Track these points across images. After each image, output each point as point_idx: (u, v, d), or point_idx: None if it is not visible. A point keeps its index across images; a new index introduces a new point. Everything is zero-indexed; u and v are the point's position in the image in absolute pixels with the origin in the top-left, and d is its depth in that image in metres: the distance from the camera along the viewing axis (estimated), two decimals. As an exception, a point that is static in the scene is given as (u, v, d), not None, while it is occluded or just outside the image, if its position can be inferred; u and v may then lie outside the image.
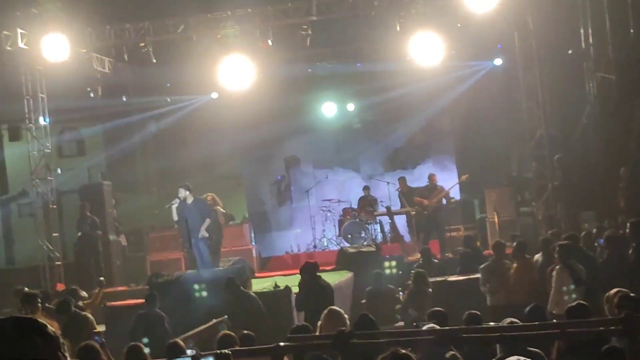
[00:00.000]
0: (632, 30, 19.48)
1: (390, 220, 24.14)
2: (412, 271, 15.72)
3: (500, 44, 23.20)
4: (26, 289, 16.08)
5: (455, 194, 23.36)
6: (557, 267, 13.22)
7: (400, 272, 18.03)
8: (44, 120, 21.70)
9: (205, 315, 13.62)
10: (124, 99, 25.07)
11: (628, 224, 14.65)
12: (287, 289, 15.63)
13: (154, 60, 21.04)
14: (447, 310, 9.72)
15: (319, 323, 8.47)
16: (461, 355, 7.62)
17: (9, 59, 20.76)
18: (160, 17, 20.85)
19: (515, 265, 14.56)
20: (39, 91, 21.43)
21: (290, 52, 22.48)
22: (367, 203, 24.04)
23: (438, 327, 7.83)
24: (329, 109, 26.94)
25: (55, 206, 21.79)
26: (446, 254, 20.51)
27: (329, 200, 25.24)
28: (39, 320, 2.66)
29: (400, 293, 15.94)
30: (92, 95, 23.20)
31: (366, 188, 24.67)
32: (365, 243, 22.17)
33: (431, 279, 15.64)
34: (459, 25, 20.84)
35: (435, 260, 18.27)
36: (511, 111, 23.80)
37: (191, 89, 23.96)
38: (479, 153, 24.89)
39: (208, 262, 18.87)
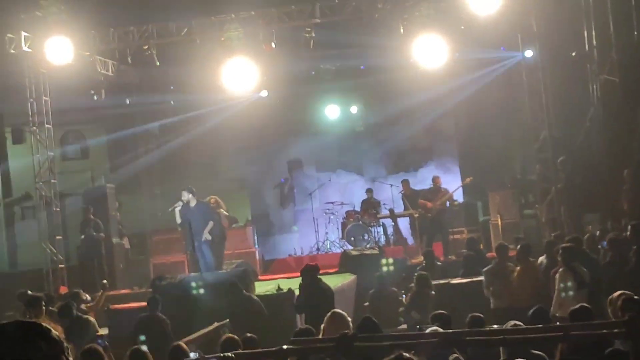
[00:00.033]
0: (635, 33, 19.48)
1: (393, 223, 24.15)
2: (415, 274, 15.71)
3: (504, 46, 23.17)
4: (29, 292, 16.12)
5: (459, 196, 23.36)
6: (560, 269, 13.20)
7: (403, 274, 18.00)
8: (48, 123, 21.70)
9: (208, 318, 13.63)
10: (128, 101, 25.08)
11: (629, 227, 14.66)
12: (290, 291, 15.63)
13: (158, 63, 21.07)
14: (450, 313, 9.71)
15: (322, 326, 8.46)
16: (464, 358, 7.61)
17: (13, 62, 20.77)
18: (163, 20, 20.87)
19: (518, 268, 14.54)
20: (42, 94, 21.44)
21: (294, 54, 22.47)
22: (370, 206, 24.04)
23: (441, 329, 7.82)
24: (332, 112, 26.95)
25: (58, 209, 21.79)
26: (449, 257, 20.50)
27: (332, 202, 25.24)
28: (43, 324, 2.66)
29: (404, 296, 15.93)
30: (95, 98, 23.23)
31: (369, 191, 24.67)
32: (368, 246, 22.16)
33: (434, 282, 15.62)
34: (462, 27, 20.83)
35: (439, 263, 18.27)
36: (514, 113, 23.78)
37: (195, 91, 23.96)
38: (482, 155, 24.89)
39: (211, 265, 18.87)
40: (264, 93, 24.84)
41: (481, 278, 15.00)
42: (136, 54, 21.26)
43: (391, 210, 24.08)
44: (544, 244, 16.06)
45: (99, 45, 21.25)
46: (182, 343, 9.82)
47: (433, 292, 15.02)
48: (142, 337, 13.79)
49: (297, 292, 14.89)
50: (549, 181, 20.29)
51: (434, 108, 25.43)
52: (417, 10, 19.82)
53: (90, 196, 22.85)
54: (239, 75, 20.59)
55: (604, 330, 6.22)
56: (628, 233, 14.55)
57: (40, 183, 21.54)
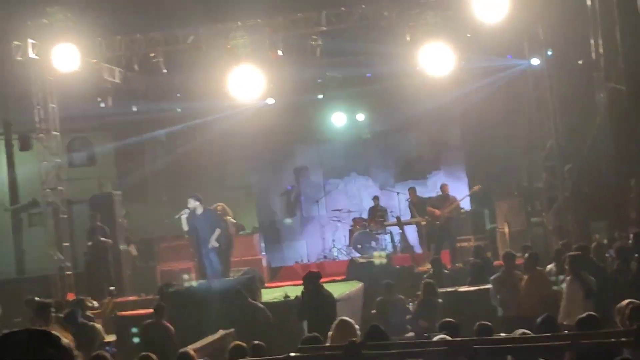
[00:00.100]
0: (642, 41, 19.49)
1: (400, 231, 24.13)
2: (422, 281, 15.70)
3: (510, 54, 23.17)
4: (37, 298, 16.13)
5: (466, 204, 23.33)
6: (568, 278, 13.18)
7: (410, 282, 18.00)
8: (55, 130, 21.74)
9: (213, 325, 13.64)
10: (134, 108, 25.12)
11: (632, 235, 14.66)
12: (298, 299, 15.62)
13: (164, 70, 21.12)
14: (458, 321, 9.69)
15: (330, 334, 8.46)
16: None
17: (19, 69, 20.83)
18: (170, 28, 20.92)
19: (526, 276, 14.51)
20: (49, 101, 21.48)
21: (300, 62, 22.49)
22: (377, 213, 24.02)
23: (449, 337, 7.80)
24: (338, 119, 26.94)
25: (65, 216, 21.81)
26: (457, 265, 20.48)
27: (339, 210, 25.23)
28: (53, 332, 2.66)
29: (410, 304, 15.92)
30: (102, 105, 23.28)
31: (376, 198, 24.66)
32: (375, 253, 22.13)
33: (442, 290, 15.61)
34: (468, 35, 20.84)
35: (446, 271, 18.26)
36: (521, 121, 23.76)
37: (201, 98, 23.99)
38: (489, 163, 24.86)
39: (218, 272, 18.88)
40: (270, 100, 24.86)
41: (489, 286, 14.97)
42: (143, 61, 21.32)
43: (398, 218, 24.08)
44: (552, 252, 16.04)
45: (105, 53, 21.30)
46: (190, 350, 9.81)
47: (440, 300, 15.01)
48: (136, 339, 13.86)
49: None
50: (556, 189, 20.27)
51: (441, 116, 25.41)
52: (423, 18, 19.84)
53: (97, 203, 22.87)
54: (245, 83, 20.61)
55: (613, 339, 6.20)
56: (630, 241, 14.57)
57: (48, 190, 21.56)
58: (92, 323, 13.86)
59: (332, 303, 14.04)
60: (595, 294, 12.84)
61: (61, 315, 14.00)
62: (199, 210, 18.96)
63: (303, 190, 27.66)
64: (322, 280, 18.68)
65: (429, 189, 25.02)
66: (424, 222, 22.13)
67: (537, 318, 9.47)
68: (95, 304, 17.88)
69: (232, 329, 12.89)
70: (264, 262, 23.34)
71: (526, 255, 15.00)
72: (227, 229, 19.99)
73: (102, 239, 21.23)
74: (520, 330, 7.76)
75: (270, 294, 17.61)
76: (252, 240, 23.74)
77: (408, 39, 20.15)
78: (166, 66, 21.02)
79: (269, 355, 7.93)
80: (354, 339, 6.61)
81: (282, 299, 16.44)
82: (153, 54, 20.93)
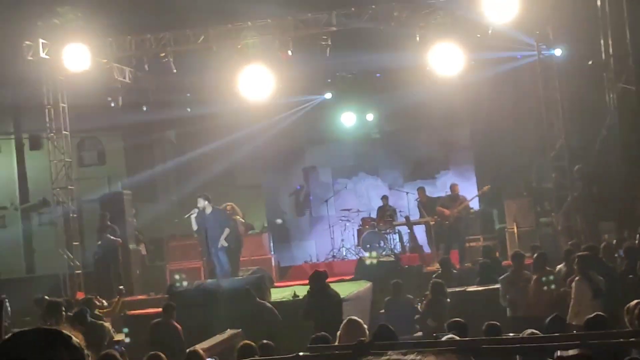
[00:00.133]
0: (652, 41, 19.46)
1: (409, 230, 24.11)
2: (431, 281, 15.71)
3: (520, 54, 23.14)
4: (46, 297, 16.19)
5: (475, 204, 23.31)
6: (577, 278, 13.18)
7: (419, 282, 18.01)
8: (65, 129, 21.81)
9: (221, 325, 13.66)
10: (145, 108, 25.18)
11: (638, 235, 14.66)
12: (304, 298, 15.63)
13: (175, 70, 21.16)
14: (467, 321, 9.70)
15: (338, 333, 8.48)
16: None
17: (30, 69, 20.90)
18: (180, 28, 20.96)
19: (535, 277, 14.49)
20: (60, 101, 21.57)
21: (310, 62, 22.51)
22: (386, 213, 24.02)
23: (457, 337, 7.82)
24: (348, 119, 26.93)
25: (75, 215, 21.88)
26: (465, 264, 20.47)
27: (348, 209, 25.22)
28: (64, 331, 2.69)
29: (419, 304, 15.92)
30: (112, 105, 23.35)
31: (385, 198, 24.66)
32: (384, 253, 22.14)
33: (450, 290, 15.61)
34: (478, 35, 20.83)
35: (454, 271, 18.25)
36: (531, 121, 23.73)
37: (211, 98, 24.03)
38: (498, 163, 24.84)
39: (227, 272, 18.92)
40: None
41: (497, 286, 14.97)
42: (153, 61, 21.36)
43: (407, 218, 24.07)
44: (562, 252, 16.03)
45: (116, 53, 21.36)
46: (198, 349, 9.84)
47: (448, 300, 15.01)
48: (126, 329, 13.90)
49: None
50: (565, 189, 20.25)
51: (450, 116, 25.37)
52: (433, 19, 19.87)
53: (107, 202, 22.92)
54: (255, 83, 20.65)
55: (621, 340, 6.21)
56: (637, 241, 14.57)
57: (58, 189, 21.65)
58: (101, 322, 13.88)
59: (337, 303, 14.06)
60: (604, 294, 12.84)
61: (70, 314, 14.04)
62: (208, 210, 19.00)
63: (312, 190, 27.66)
64: (330, 279, 18.75)
65: (438, 189, 25.00)
66: (433, 222, 22.13)
67: (545, 318, 9.48)
68: (105, 303, 17.92)
69: (240, 329, 12.90)
70: (273, 262, 23.36)
71: (535, 255, 14.99)
72: (237, 229, 20.02)
73: (112, 237, 21.28)
74: (529, 330, 7.78)
75: (279, 294, 17.63)
76: (262, 240, 23.77)
77: (418, 39, 20.17)
78: (176, 66, 21.06)
79: (278, 355, 7.95)
80: (362, 338, 6.63)
81: (291, 299, 16.46)
82: (163, 54, 20.97)
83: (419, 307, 15.68)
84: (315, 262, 24.61)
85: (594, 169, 20.62)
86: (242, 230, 20.75)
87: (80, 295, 19.88)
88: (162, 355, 9.44)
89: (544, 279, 14.15)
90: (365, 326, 8.64)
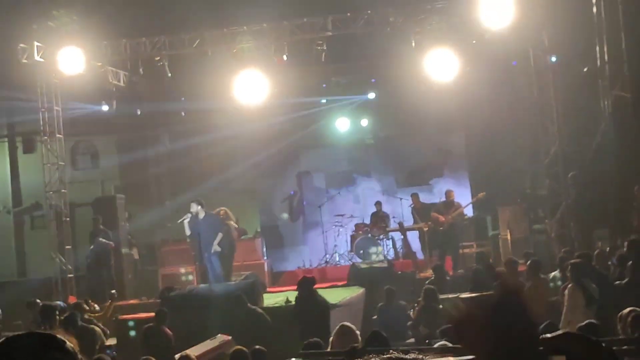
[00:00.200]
0: (647, 49, 19.48)
1: (402, 237, 24.09)
2: (423, 288, 15.68)
3: (515, 60, 23.18)
4: (38, 300, 16.13)
5: (468, 210, 23.30)
6: (570, 285, 13.16)
7: (412, 288, 17.98)
8: (59, 133, 21.77)
9: (214, 330, 13.62)
10: (139, 112, 25.15)
11: (626, 243, 14.67)
12: (291, 303, 15.62)
13: (170, 74, 21.13)
14: (459, 328, 9.63)
15: (331, 339, 8.45)
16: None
17: (25, 72, 20.86)
18: (176, 32, 20.94)
19: (528, 284, 14.47)
20: (54, 104, 21.52)
21: (305, 67, 22.51)
22: (380, 219, 23.99)
23: (450, 344, 7.79)
24: (342, 124, 26.94)
25: (68, 219, 21.83)
26: (459, 271, 20.44)
27: (342, 215, 25.20)
28: (58, 336, 2.66)
29: (412, 310, 15.89)
30: (107, 108, 23.32)
31: (378, 203, 24.64)
32: (377, 259, 22.11)
33: (443, 296, 15.58)
34: (474, 41, 20.85)
35: (447, 278, 18.23)
36: (525, 128, 23.75)
37: (206, 103, 24.01)
38: (492, 170, 24.84)
39: (220, 276, 18.88)
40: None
41: (491, 293, 14.92)
42: (148, 65, 21.32)
43: (400, 224, 24.04)
44: (554, 259, 16.02)
45: (110, 56, 21.32)
46: (190, 354, 9.81)
47: (441, 306, 14.98)
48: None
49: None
50: (559, 196, 20.25)
51: (445, 122, 25.39)
52: (428, 24, 19.86)
53: (100, 206, 22.88)
54: (250, 87, 20.65)
55: (614, 347, 6.18)
56: (625, 249, 14.59)
57: (51, 193, 21.60)
58: (92, 326, 13.84)
59: (325, 309, 14.04)
60: (597, 302, 12.82)
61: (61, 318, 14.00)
62: (201, 215, 18.97)
63: (306, 195, 27.65)
64: (323, 285, 18.71)
65: (435, 196, 24.97)
66: (427, 228, 22.10)
67: (538, 325, 9.45)
68: (97, 307, 17.87)
69: (230, 337, 12.86)
70: (266, 267, 23.30)
71: (528, 262, 14.97)
72: (230, 233, 19.99)
73: (104, 241, 21.22)
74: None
75: (272, 299, 17.59)
76: (254, 245, 23.72)
77: (413, 44, 20.16)
78: (171, 70, 21.04)
79: (270, 360, 7.93)
80: (355, 344, 6.61)
81: (284, 304, 16.42)
82: (158, 58, 20.95)
83: (411, 313, 15.65)
84: (309, 268, 24.56)
85: (588, 175, 20.61)
86: (235, 235, 20.72)
87: (72, 300, 19.84)
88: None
89: (551, 284, 14.16)
90: (358, 332, 8.61)
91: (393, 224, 24.31)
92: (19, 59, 20.40)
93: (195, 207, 18.94)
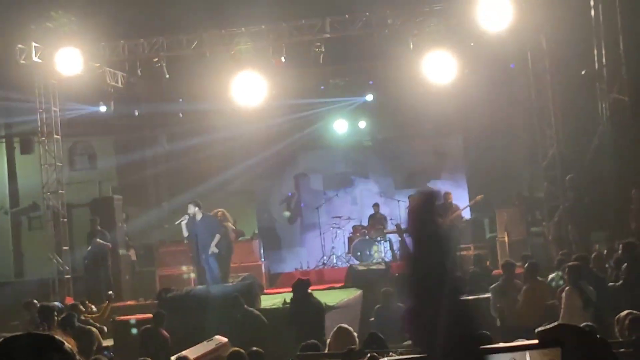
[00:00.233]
0: (645, 52, 19.50)
1: (400, 239, 24.08)
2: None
3: (513, 63, 23.19)
4: (35, 301, 16.11)
5: (466, 213, 23.31)
6: (567, 288, 13.17)
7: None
8: (57, 133, 21.76)
9: (211, 332, 13.60)
10: (137, 113, 25.14)
11: (621, 245, 14.70)
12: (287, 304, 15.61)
13: (167, 76, 21.12)
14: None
15: (328, 341, 8.45)
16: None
17: (23, 73, 20.85)
18: (174, 33, 20.93)
19: (525, 286, 14.48)
20: (52, 105, 21.51)
21: (303, 69, 22.51)
22: (377, 221, 24.00)
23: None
24: (340, 126, 26.94)
25: (65, 220, 21.82)
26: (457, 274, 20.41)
27: (339, 217, 25.20)
28: (56, 337, 2.66)
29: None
30: (105, 109, 23.30)
31: (376, 205, 24.64)
32: (374, 261, 22.11)
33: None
34: (472, 44, 20.86)
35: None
36: (523, 130, 23.76)
37: (203, 104, 24.00)
38: (490, 172, 24.85)
39: (218, 278, 18.86)
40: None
41: (487, 295, 14.95)
42: (146, 66, 21.30)
43: (398, 226, 23.99)
44: (552, 261, 16.02)
45: (108, 57, 21.32)
46: (188, 356, 9.79)
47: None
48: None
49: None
50: (557, 199, 20.26)
51: (443, 124, 25.40)
52: (427, 27, 19.87)
53: (97, 207, 22.87)
54: (248, 89, 20.64)
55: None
56: (619, 251, 14.62)
57: (48, 193, 21.59)
58: (88, 327, 13.82)
59: (320, 311, 14.03)
60: (594, 305, 12.83)
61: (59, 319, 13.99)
62: (199, 216, 18.94)
63: (303, 197, 27.64)
64: (320, 287, 18.70)
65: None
66: (424, 231, 22.08)
67: (535, 328, 9.44)
68: (94, 308, 17.85)
69: (227, 340, 12.84)
70: (264, 268, 23.28)
71: (526, 265, 14.97)
72: (227, 235, 19.97)
73: (102, 242, 21.20)
74: (520, 340, 7.74)
75: (270, 300, 17.58)
76: (252, 246, 23.71)
77: (411, 46, 20.17)
78: (169, 71, 21.03)
79: (267, 362, 7.92)
80: (352, 346, 6.61)
81: (281, 306, 16.41)
82: (156, 59, 20.94)
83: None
84: (306, 269, 24.56)
85: (586, 178, 20.63)
86: (232, 237, 20.71)
87: (69, 300, 19.83)
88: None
89: (552, 284, 14.16)
90: (355, 334, 8.61)
91: (390, 226, 24.30)
92: (17, 59, 20.40)
93: (192, 209, 18.92)
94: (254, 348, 9.89)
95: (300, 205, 27.61)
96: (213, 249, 18.87)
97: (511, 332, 12.27)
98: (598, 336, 1.58)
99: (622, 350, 6.54)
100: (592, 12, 20.45)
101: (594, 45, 20.61)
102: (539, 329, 1.70)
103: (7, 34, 20.76)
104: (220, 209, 20.49)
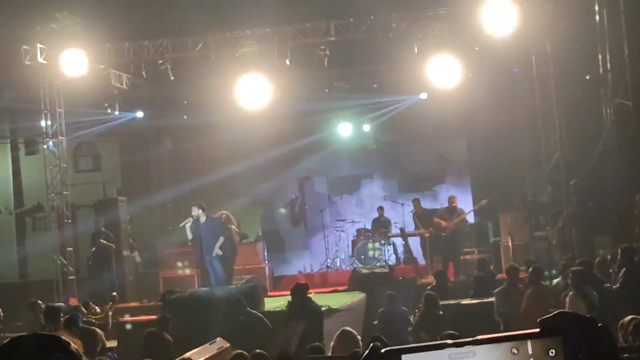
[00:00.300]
0: (650, 57, 19.49)
1: (404, 242, 24.10)
2: (424, 293, 15.68)
3: (518, 68, 23.19)
4: (40, 301, 16.14)
5: (470, 217, 23.32)
6: (571, 293, 13.17)
7: (412, 293, 17.99)
8: (61, 135, 21.80)
9: (214, 334, 13.63)
10: (141, 115, 25.17)
11: (619, 250, 14.71)
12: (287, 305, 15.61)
13: (172, 78, 21.15)
14: (460, 334, 9.65)
15: (332, 344, 8.46)
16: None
17: (28, 74, 20.89)
18: (179, 35, 20.96)
19: (529, 290, 14.48)
20: (56, 106, 21.55)
21: (308, 72, 22.53)
22: (381, 224, 24.01)
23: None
24: (344, 129, 26.97)
25: (70, 221, 21.85)
26: (460, 277, 20.44)
27: (343, 220, 25.22)
28: (62, 337, 2.67)
29: (412, 315, 15.89)
30: (109, 111, 23.33)
31: (380, 209, 24.66)
32: (378, 264, 22.12)
33: (444, 302, 15.58)
34: (476, 48, 20.86)
35: (449, 284, 18.23)
36: (527, 135, 23.76)
37: (208, 106, 24.03)
38: (493, 176, 24.86)
39: (222, 280, 18.88)
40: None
41: (491, 299, 14.95)
42: (151, 68, 21.34)
43: (402, 229, 24.05)
44: (556, 266, 16.03)
45: (113, 59, 21.35)
46: (191, 357, 9.81)
47: (441, 312, 14.98)
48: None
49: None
50: (561, 204, 20.26)
51: (447, 128, 25.41)
52: (431, 30, 19.89)
53: (101, 208, 22.91)
54: (252, 92, 20.66)
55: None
56: (618, 256, 14.64)
57: (53, 194, 21.61)
58: (93, 328, 13.84)
59: (318, 316, 14.04)
60: (597, 309, 12.83)
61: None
62: (203, 218, 18.94)
63: (307, 200, 27.66)
64: (324, 290, 18.73)
65: (438, 202, 24.93)
66: (428, 234, 22.11)
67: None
68: (97, 309, 17.87)
69: (229, 344, 12.85)
70: (267, 271, 23.30)
71: (530, 269, 14.97)
72: (231, 237, 19.99)
73: (104, 242, 21.23)
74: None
75: (273, 303, 17.60)
76: (256, 249, 23.72)
77: (416, 50, 20.18)
78: (174, 73, 21.06)
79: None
80: (356, 349, 6.62)
81: (284, 308, 16.41)
82: (161, 61, 20.96)
83: (412, 319, 15.65)
84: (310, 272, 24.59)
85: (590, 183, 20.62)
86: (236, 239, 20.72)
87: (73, 301, 19.85)
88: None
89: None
90: (359, 337, 8.62)
91: (394, 230, 24.32)
92: (22, 60, 20.43)
93: (196, 211, 18.92)
94: (258, 350, 9.90)
95: (304, 208, 27.62)
96: (217, 251, 18.88)
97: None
98: (599, 324, 1.59)
99: (626, 355, 6.55)
100: (597, 17, 20.44)
101: (598, 50, 20.60)
102: (541, 318, 1.72)
103: (13, 35, 20.78)
104: (224, 211, 20.50)
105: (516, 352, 1.71)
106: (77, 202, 24.19)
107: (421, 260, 23.42)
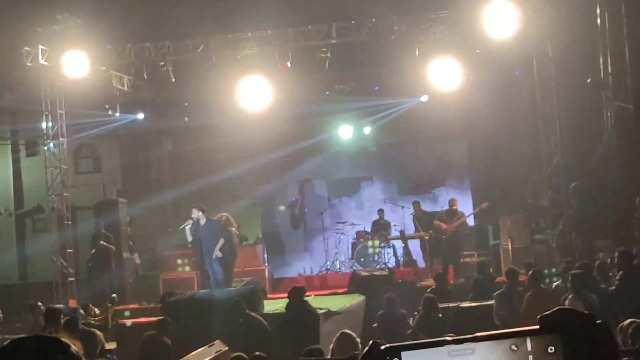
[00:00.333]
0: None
1: (403, 245, 24.09)
2: (424, 296, 15.68)
3: (519, 70, 23.20)
4: (39, 303, 16.14)
5: (470, 220, 23.31)
6: (570, 296, 13.17)
7: (412, 296, 17.98)
8: (62, 136, 21.80)
9: (213, 336, 13.63)
10: (142, 117, 25.17)
11: (616, 253, 14.72)
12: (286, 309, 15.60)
13: (173, 79, 21.15)
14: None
15: (331, 346, 8.45)
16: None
17: (29, 75, 20.90)
18: (180, 37, 20.97)
19: (529, 293, 14.48)
20: (57, 107, 21.56)
21: (309, 74, 22.53)
22: (381, 226, 24.00)
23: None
24: (345, 132, 26.97)
25: (70, 222, 21.85)
26: (460, 280, 20.44)
27: (343, 222, 25.22)
28: (63, 339, 2.67)
29: (411, 318, 15.88)
30: (110, 112, 23.34)
31: (380, 211, 24.66)
32: (377, 267, 22.12)
33: (444, 305, 15.58)
34: (477, 51, 20.87)
35: (448, 287, 18.22)
36: (528, 138, 23.76)
37: (209, 108, 24.03)
38: (494, 179, 24.87)
39: (221, 282, 18.87)
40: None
41: (491, 302, 14.96)
42: (152, 69, 21.35)
43: (402, 232, 24.05)
44: (559, 269, 16.03)
45: (115, 60, 21.36)
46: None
47: (440, 315, 14.98)
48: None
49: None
50: (561, 207, 20.25)
51: (447, 131, 25.41)
52: (432, 33, 19.89)
53: (101, 210, 22.89)
54: (253, 94, 20.67)
55: None
56: (615, 260, 14.64)
57: (53, 196, 21.61)
58: (92, 330, 13.84)
59: (315, 319, 14.03)
60: (597, 313, 12.81)
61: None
62: (203, 221, 18.94)
63: (307, 202, 27.66)
64: (323, 292, 18.71)
65: (438, 205, 24.94)
66: (428, 237, 22.11)
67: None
68: (97, 311, 17.88)
69: (227, 347, 12.84)
70: (267, 273, 23.28)
71: (530, 272, 14.97)
72: (231, 239, 19.99)
73: (104, 243, 21.22)
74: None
75: (273, 305, 17.59)
76: (256, 251, 23.72)
77: (417, 53, 20.19)
78: (175, 75, 21.06)
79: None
80: (355, 352, 6.61)
81: (284, 311, 16.41)
82: (162, 63, 20.98)
83: (411, 321, 15.65)
84: (309, 275, 24.59)
85: (590, 186, 20.62)
86: (236, 241, 20.72)
87: (72, 303, 19.85)
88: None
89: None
90: (358, 339, 8.61)
91: (394, 232, 24.32)
92: (24, 62, 20.45)
93: (196, 213, 18.92)
94: (257, 353, 9.90)
95: (304, 211, 27.62)
96: (217, 253, 18.88)
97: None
98: (598, 321, 1.59)
99: (625, 358, 6.54)
100: (598, 20, 20.44)
101: (599, 53, 20.59)
102: (542, 315, 1.72)
103: (14, 36, 20.80)
104: (224, 214, 20.51)
105: (515, 349, 1.71)
106: (77, 204, 24.18)
107: (421, 263, 23.42)
